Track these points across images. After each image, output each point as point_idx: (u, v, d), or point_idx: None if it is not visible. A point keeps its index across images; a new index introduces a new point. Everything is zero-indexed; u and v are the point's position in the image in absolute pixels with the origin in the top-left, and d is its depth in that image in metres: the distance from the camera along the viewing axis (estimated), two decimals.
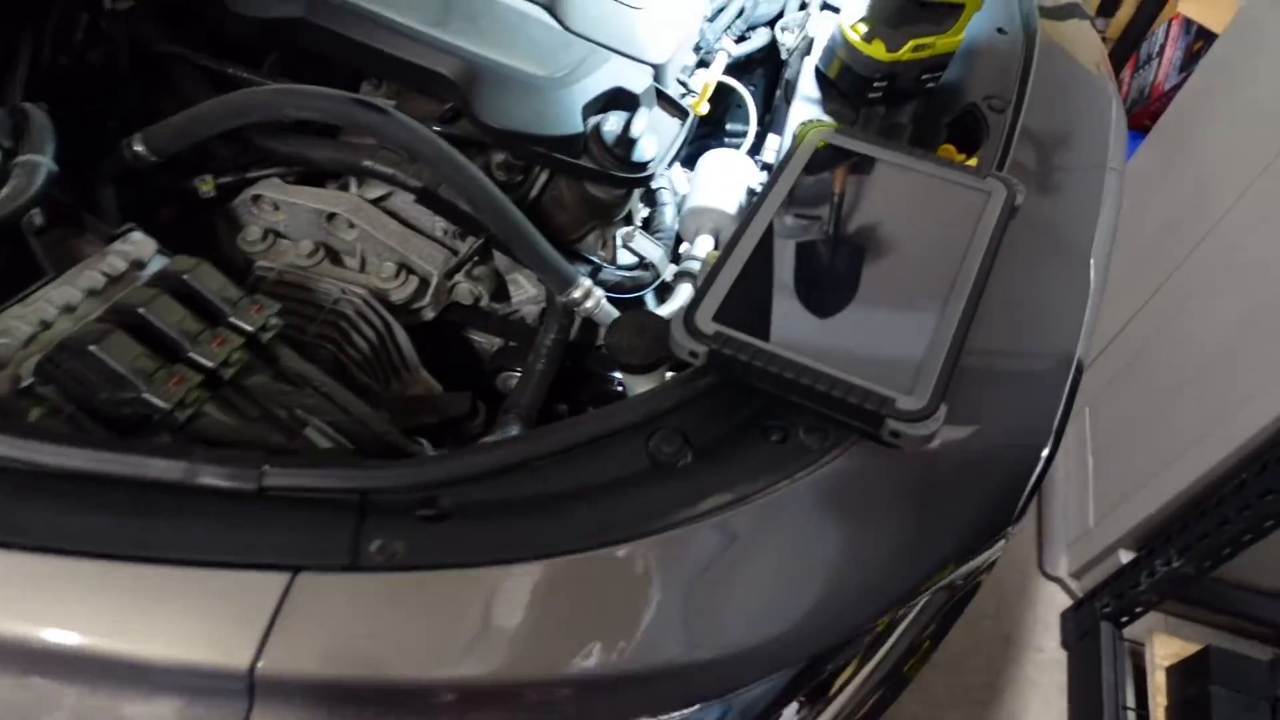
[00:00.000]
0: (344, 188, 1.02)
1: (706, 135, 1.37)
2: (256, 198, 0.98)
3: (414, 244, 1.00)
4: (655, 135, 0.92)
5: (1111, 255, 1.04)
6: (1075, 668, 1.59)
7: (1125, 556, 1.56)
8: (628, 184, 0.89)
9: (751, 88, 1.35)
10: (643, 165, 0.89)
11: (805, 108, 1.04)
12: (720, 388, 0.75)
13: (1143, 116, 2.61)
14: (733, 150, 1.08)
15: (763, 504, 0.70)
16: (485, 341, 1.10)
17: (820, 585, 0.70)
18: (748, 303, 0.76)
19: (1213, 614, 1.52)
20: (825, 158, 0.87)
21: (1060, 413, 0.91)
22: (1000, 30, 1.10)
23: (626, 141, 0.87)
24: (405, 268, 1.00)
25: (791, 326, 0.75)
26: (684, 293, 0.96)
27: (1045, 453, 0.87)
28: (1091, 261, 0.98)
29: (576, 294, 0.88)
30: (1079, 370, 0.92)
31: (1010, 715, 1.56)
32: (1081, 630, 1.59)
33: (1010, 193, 0.83)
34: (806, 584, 0.69)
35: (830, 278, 0.78)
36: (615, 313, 0.92)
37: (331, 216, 0.98)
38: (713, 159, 1.07)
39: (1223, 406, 1.38)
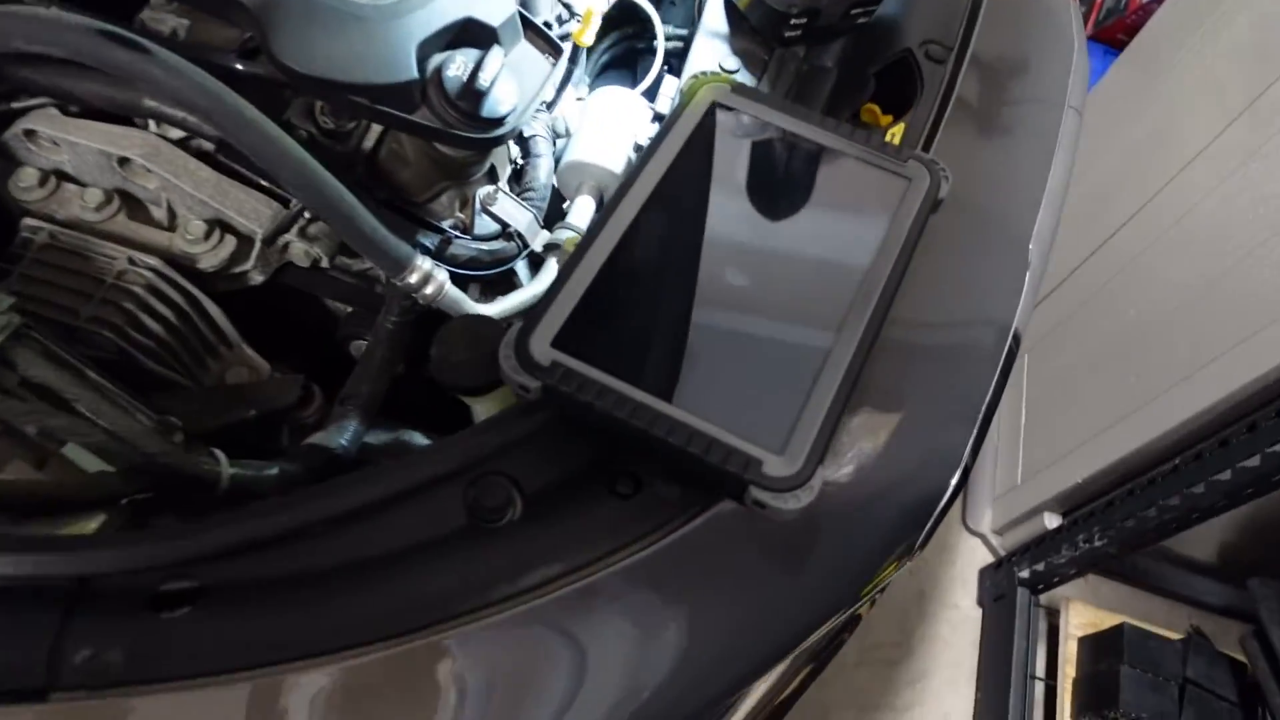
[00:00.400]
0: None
1: (633, 37, 1.18)
2: (30, 132, 0.80)
3: (232, 196, 0.83)
4: (516, 80, 0.74)
5: (1063, 207, 0.91)
6: (988, 629, 1.55)
7: (1050, 520, 1.50)
8: (475, 145, 0.72)
9: None
10: (497, 121, 0.72)
11: (709, 47, 0.87)
12: (561, 421, 0.62)
13: (1116, 29, 2.42)
14: (625, 90, 0.90)
15: (601, 579, 0.58)
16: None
17: (668, 669, 0.59)
18: (598, 323, 0.61)
19: (1132, 586, 1.48)
20: (715, 124, 0.71)
21: (980, 419, 0.80)
22: None
23: (473, 93, 0.70)
24: (221, 225, 0.83)
25: (649, 356, 0.61)
26: (551, 270, 0.81)
27: (954, 480, 0.76)
28: (1033, 236, 0.84)
29: (412, 279, 0.73)
30: (1011, 354, 0.80)
31: (918, 674, 1.53)
32: (998, 591, 1.55)
33: (934, 181, 0.68)
34: (651, 670, 0.58)
35: (705, 290, 0.64)
36: (463, 299, 0.77)
37: (125, 161, 0.80)
38: (601, 100, 0.89)
39: (1166, 377, 1.28)
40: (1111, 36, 2.43)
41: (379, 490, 0.57)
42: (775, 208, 0.68)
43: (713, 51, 0.87)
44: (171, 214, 0.84)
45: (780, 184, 0.69)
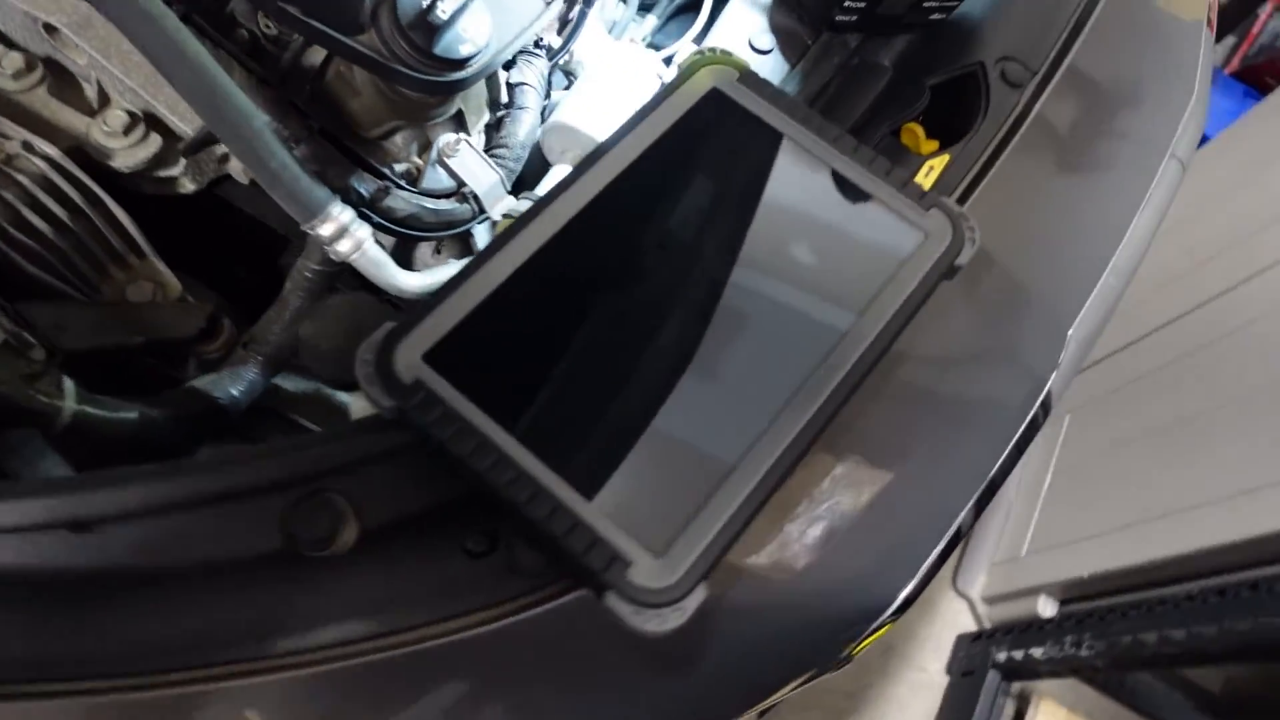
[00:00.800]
0: None
1: None
2: None
3: (167, 89, 0.72)
4: (493, 15, 0.62)
5: (1133, 274, 0.76)
6: (949, 703, 1.43)
7: (1044, 607, 1.36)
8: (423, 87, 0.60)
9: None
10: (456, 62, 0.60)
11: (743, 16, 0.72)
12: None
13: (1265, 69, 2.14)
14: (641, 50, 0.77)
15: (423, 651, 0.48)
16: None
17: None
18: (490, 342, 0.50)
19: (1115, 700, 1.33)
20: (709, 115, 0.58)
21: (962, 518, 0.67)
22: None
23: (427, 25, 0.58)
24: (150, 119, 0.73)
25: (540, 397, 0.49)
26: None
27: (906, 591, 0.64)
28: (1078, 320, 0.70)
29: (324, 230, 0.62)
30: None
31: None
32: (970, 666, 1.42)
33: (955, 241, 0.54)
34: None
35: (634, 326, 0.52)
36: (384, 264, 0.66)
37: (52, 28, 0.70)
38: (610, 57, 0.76)
39: (1214, 488, 1.12)
40: (1258, 77, 2.16)
41: (170, 488, 0.47)
42: (751, 236, 0.55)
43: (747, 23, 0.72)
44: (104, 97, 0.75)
45: (766, 208, 0.56)
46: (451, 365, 0.48)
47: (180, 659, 0.45)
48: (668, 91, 0.58)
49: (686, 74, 0.59)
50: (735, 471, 0.46)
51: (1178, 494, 1.17)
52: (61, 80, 0.74)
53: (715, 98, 0.58)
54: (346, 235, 0.63)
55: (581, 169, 0.55)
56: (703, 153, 0.57)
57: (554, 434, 0.47)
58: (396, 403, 0.47)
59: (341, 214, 0.62)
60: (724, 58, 0.59)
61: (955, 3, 0.70)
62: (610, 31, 0.91)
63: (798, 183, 0.56)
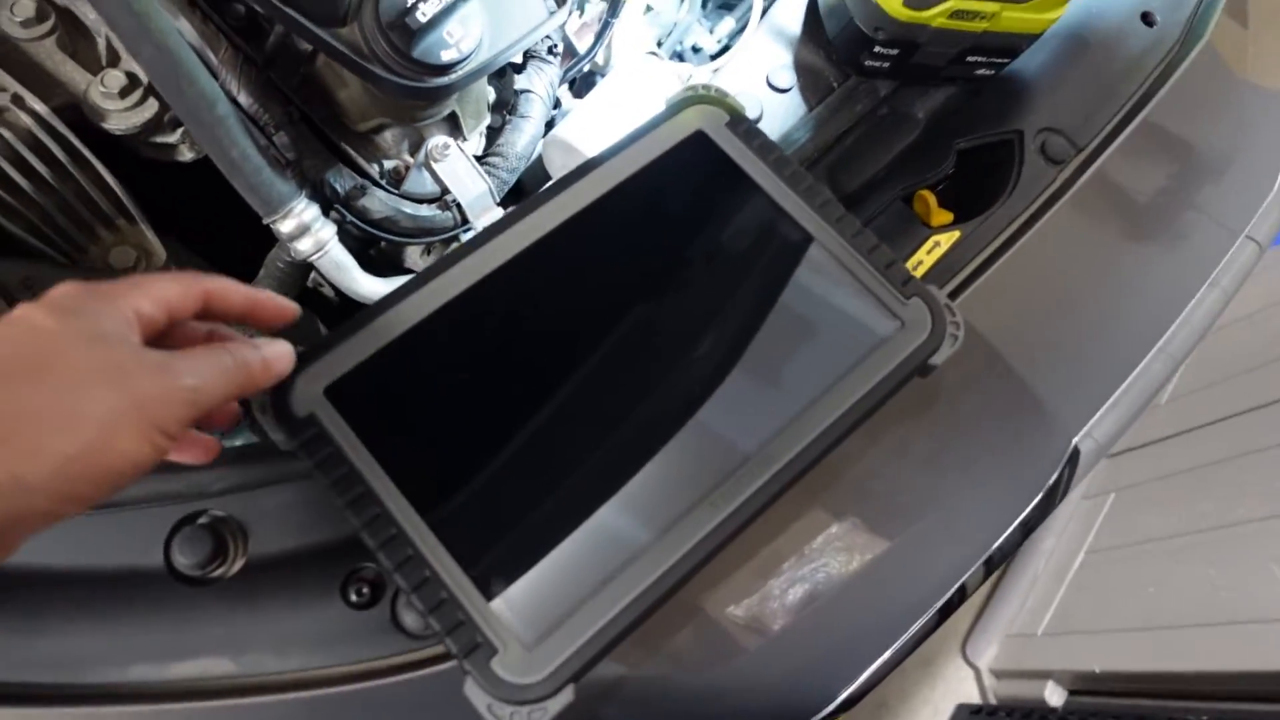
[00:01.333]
0: None
1: None
2: None
3: None
4: (488, 21, 0.58)
5: (1184, 357, 0.68)
6: None
7: (1052, 695, 1.27)
8: (399, 91, 0.56)
9: None
10: (439, 68, 0.56)
11: (765, 49, 0.66)
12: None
13: None
14: (666, 65, 0.72)
15: (272, 705, 0.45)
16: None
17: None
18: (400, 382, 0.46)
19: None
20: (689, 159, 0.53)
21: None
22: (1146, 20, 0.67)
23: (405, 27, 0.54)
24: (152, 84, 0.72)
25: (444, 450, 0.46)
26: None
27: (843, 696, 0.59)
28: (1091, 424, 0.62)
29: (284, 226, 0.59)
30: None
31: None
32: None
33: (933, 337, 0.48)
34: None
35: (558, 387, 0.47)
36: (347, 267, 0.63)
37: None
38: (627, 70, 0.71)
39: (1250, 607, 1.03)
40: None
41: None
42: (706, 305, 0.50)
43: (767, 56, 0.66)
44: (114, 55, 0.73)
45: (729, 274, 0.51)
46: (354, 404, 0.45)
47: (40, 672, 0.43)
48: (648, 128, 0.53)
49: (672, 111, 0.54)
50: (631, 568, 0.42)
51: (1211, 605, 1.08)
52: (75, 33, 0.73)
53: (699, 141, 0.53)
54: (308, 234, 0.60)
55: (536, 202, 0.51)
56: (674, 201, 0.52)
57: (446, 498, 0.43)
58: (284, 434, 0.44)
59: (304, 211, 0.60)
60: (716, 97, 0.54)
61: (1006, 59, 0.64)
62: (667, 38, 0.85)
63: (769, 248, 0.51)
